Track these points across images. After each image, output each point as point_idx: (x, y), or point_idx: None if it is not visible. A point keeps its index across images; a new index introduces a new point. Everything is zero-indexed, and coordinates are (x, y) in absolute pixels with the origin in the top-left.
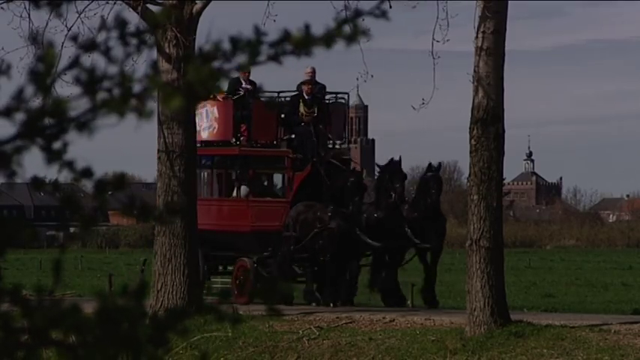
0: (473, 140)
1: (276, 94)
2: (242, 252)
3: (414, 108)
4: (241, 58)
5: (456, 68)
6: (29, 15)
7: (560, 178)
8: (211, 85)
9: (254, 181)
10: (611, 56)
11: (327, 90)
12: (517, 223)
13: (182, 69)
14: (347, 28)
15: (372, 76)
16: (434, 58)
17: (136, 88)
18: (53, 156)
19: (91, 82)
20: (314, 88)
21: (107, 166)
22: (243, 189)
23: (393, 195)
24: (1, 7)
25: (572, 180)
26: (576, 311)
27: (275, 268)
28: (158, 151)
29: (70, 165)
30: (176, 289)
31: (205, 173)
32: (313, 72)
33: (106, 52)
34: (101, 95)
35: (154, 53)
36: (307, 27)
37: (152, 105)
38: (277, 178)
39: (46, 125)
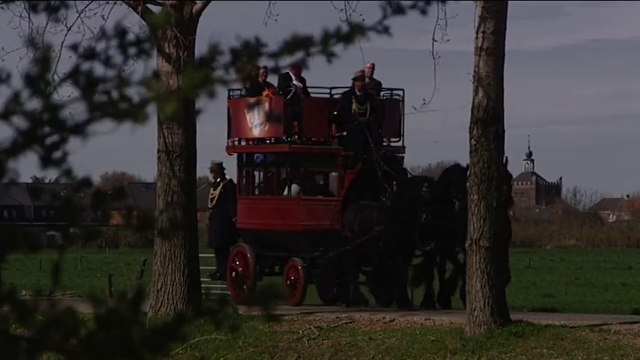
0: (473, 140)
1: (328, 92)
2: (293, 252)
3: (414, 108)
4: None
5: (456, 68)
6: (29, 15)
7: (560, 178)
8: (206, 91)
9: (305, 180)
10: (611, 56)
11: (383, 86)
12: (517, 223)
13: (182, 70)
14: (344, 28)
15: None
16: (434, 58)
17: (133, 92)
18: (53, 165)
19: (88, 86)
20: (369, 84)
21: (107, 166)
22: (294, 187)
23: (456, 203)
24: (1, 7)
25: (572, 180)
26: (576, 311)
27: (328, 269)
28: (158, 151)
29: (68, 173)
30: (176, 289)
31: (256, 171)
32: (372, 68)
33: (106, 61)
34: (99, 98)
35: (153, 59)
36: (309, 39)
37: (148, 110)
38: (322, 177)
39: (45, 134)
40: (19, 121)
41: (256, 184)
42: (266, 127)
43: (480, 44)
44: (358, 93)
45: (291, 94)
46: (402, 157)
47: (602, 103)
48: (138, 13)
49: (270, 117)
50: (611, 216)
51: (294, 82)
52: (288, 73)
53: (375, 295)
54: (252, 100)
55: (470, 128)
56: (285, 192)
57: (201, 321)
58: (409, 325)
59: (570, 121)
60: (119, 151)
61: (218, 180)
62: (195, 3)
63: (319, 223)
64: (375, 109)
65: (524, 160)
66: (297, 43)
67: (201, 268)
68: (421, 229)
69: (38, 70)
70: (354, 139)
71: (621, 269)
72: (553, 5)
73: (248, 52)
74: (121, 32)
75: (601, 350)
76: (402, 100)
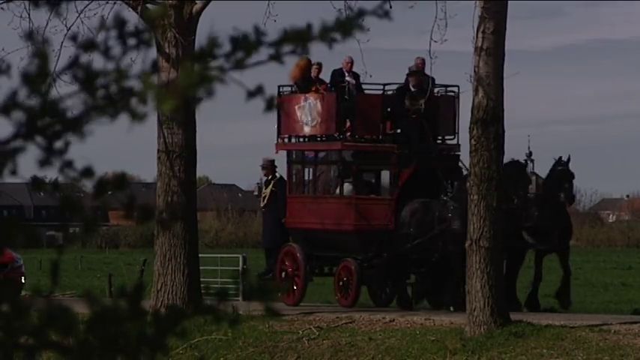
0: (473, 140)
1: (381, 88)
2: (345, 252)
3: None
4: (239, 56)
5: (459, 68)
6: (29, 15)
7: None
8: (203, 88)
9: (358, 178)
10: (611, 56)
11: (437, 82)
12: None
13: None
14: (342, 20)
15: (370, 76)
16: (431, 58)
17: (132, 86)
18: (54, 155)
19: (87, 79)
20: (422, 79)
21: (107, 166)
22: (347, 186)
23: (563, 196)
24: (1, 7)
25: None
26: (576, 311)
27: (382, 269)
28: (158, 151)
29: (70, 164)
30: (176, 289)
31: (307, 170)
32: (422, 63)
33: (106, 52)
34: (98, 93)
35: (153, 53)
36: (309, 26)
37: (146, 107)
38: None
39: (47, 124)
40: (19, 116)
41: (306, 183)
42: (317, 125)
43: (479, 44)
44: (413, 89)
45: (342, 89)
46: (459, 155)
47: (602, 103)
48: (137, 12)
49: (269, 105)
50: (611, 216)
51: (347, 77)
52: (341, 68)
53: (427, 297)
54: (303, 96)
55: (470, 128)
56: (337, 191)
57: (202, 321)
58: (409, 325)
59: (570, 121)
60: (119, 151)
61: (269, 178)
62: (195, 3)
63: (372, 223)
64: (430, 106)
65: (524, 160)
66: (296, 35)
67: (203, 268)
68: None
69: (36, 65)
70: (408, 137)
71: (621, 269)
72: (553, 5)
73: (246, 44)
74: (120, 23)
75: (601, 350)
76: (457, 97)
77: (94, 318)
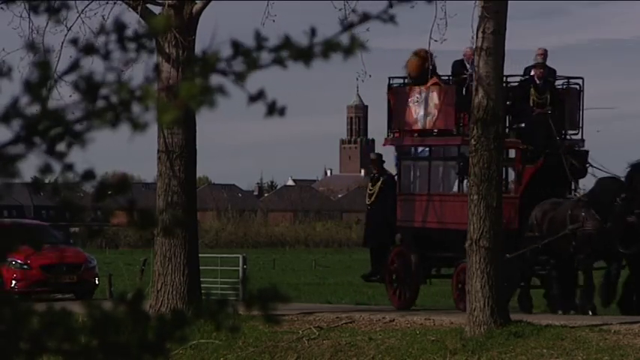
0: (473, 140)
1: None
2: (463, 253)
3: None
4: (240, 66)
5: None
6: (29, 15)
7: None
8: (205, 100)
9: None
10: (612, 56)
11: (558, 74)
12: None
13: (182, 71)
14: (345, 39)
15: (370, 76)
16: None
17: (133, 96)
18: (56, 158)
19: (89, 89)
20: (544, 71)
21: (107, 166)
22: (466, 183)
23: None
24: (1, 8)
25: None
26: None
27: (509, 271)
28: (158, 151)
29: (71, 167)
30: (176, 289)
31: (419, 166)
32: (544, 54)
33: (106, 56)
34: (99, 103)
35: (152, 62)
36: (313, 31)
37: (147, 117)
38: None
39: (48, 127)
40: (20, 123)
41: (418, 180)
42: (434, 119)
43: (479, 44)
44: (537, 81)
45: (462, 81)
46: (587, 151)
47: (602, 103)
48: (137, 13)
49: (271, 110)
50: None
51: (469, 69)
52: (462, 60)
53: (553, 300)
54: (418, 89)
55: (470, 128)
56: (455, 188)
57: (202, 321)
58: (409, 325)
59: None
60: (119, 151)
61: (377, 174)
62: (195, 3)
63: None
64: (555, 99)
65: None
66: (298, 52)
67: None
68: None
69: (38, 75)
70: (534, 132)
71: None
72: (553, 5)
73: (249, 58)
74: (120, 27)
75: (601, 350)
76: (582, 90)
77: (94, 323)
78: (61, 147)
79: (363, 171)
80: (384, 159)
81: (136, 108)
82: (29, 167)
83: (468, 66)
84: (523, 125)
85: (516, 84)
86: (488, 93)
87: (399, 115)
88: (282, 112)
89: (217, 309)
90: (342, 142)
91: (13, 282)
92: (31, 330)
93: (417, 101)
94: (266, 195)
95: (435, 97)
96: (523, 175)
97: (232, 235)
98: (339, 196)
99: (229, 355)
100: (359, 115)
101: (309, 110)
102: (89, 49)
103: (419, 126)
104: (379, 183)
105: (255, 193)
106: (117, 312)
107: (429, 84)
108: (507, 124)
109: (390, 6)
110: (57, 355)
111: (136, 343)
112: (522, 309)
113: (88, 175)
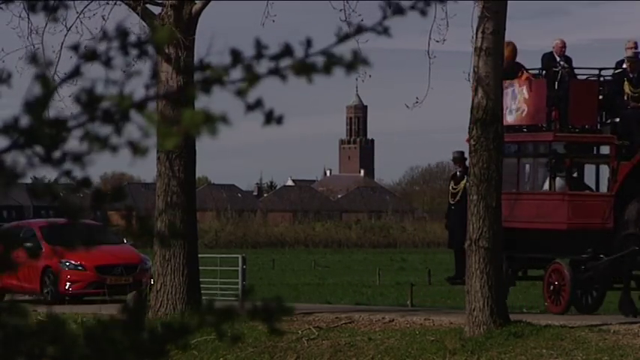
0: (472, 140)
1: (596, 73)
2: (555, 253)
3: (407, 106)
4: (241, 83)
5: (456, 68)
6: (28, 15)
7: None
8: (207, 128)
9: (571, 172)
10: (612, 56)
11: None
12: None
13: (182, 77)
14: (347, 56)
15: (369, 76)
16: (430, 58)
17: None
18: (52, 164)
19: (90, 102)
20: (636, 65)
21: (106, 166)
22: (558, 181)
23: None
24: (0, 8)
25: None
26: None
27: (604, 273)
28: (158, 151)
29: (68, 174)
30: (175, 289)
31: (509, 163)
32: (636, 46)
33: (107, 62)
34: (98, 115)
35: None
36: (309, 42)
37: (148, 142)
38: (589, 169)
39: (46, 135)
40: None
41: (506, 178)
42: (524, 114)
43: (479, 44)
44: (631, 74)
45: (553, 74)
46: None
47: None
48: (137, 13)
49: (269, 119)
50: None
51: (560, 62)
52: (552, 52)
53: None
54: (506, 83)
55: (469, 128)
56: (546, 186)
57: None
58: (408, 326)
59: None
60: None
61: (460, 172)
62: (195, 3)
63: (588, 222)
64: None
65: None
66: (301, 66)
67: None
68: None
69: (39, 91)
70: (629, 127)
71: None
72: (553, 5)
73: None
74: (122, 33)
75: (600, 350)
76: None
77: (92, 331)
78: (57, 154)
79: (362, 171)
80: (465, 156)
81: (135, 132)
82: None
83: (558, 59)
84: (618, 120)
85: (609, 78)
86: (488, 93)
87: None
88: (279, 120)
89: (219, 319)
90: (342, 142)
91: (68, 284)
92: (30, 337)
93: (506, 95)
94: (265, 195)
95: (524, 91)
96: (618, 172)
97: (232, 236)
98: (339, 196)
99: (229, 355)
100: (358, 116)
101: (308, 110)
102: (90, 56)
103: (507, 121)
104: (464, 181)
105: (255, 193)
106: (117, 321)
107: (524, 78)
108: (601, 120)
109: (390, 6)
110: None
111: (135, 350)
112: (625, 314)
113: (85, 182)
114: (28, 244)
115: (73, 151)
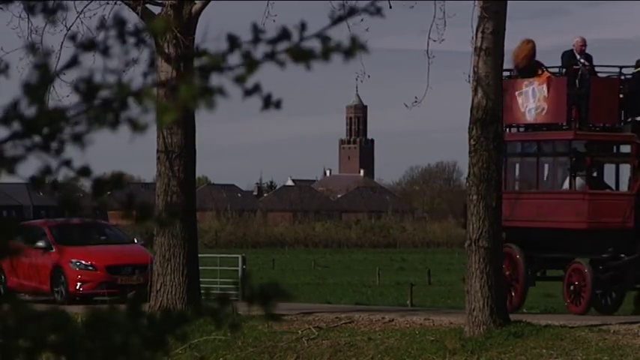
0: (472, 140)
1: (617, 71)
2: (575, 253)
3: (406, 106)
4: (240, 68)
5: (456, 68)
6: (28, 16)
7: None
8: (204, 102)
9: (591, 171)
10: (612, 56)
11: None
12: None
13: (181, 69)
14: (345, 43)
15: (368, 76)
16: (429, 57)
17: (133, 94)
18: (52, 155)
19: (88, 91)
20: None
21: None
22: (578, 180)
23: None
24: (0, 8)
25: None
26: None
27: (627, 273)
28: (157, 151)
29: (67, 163)
30: (175, 289)
31: (524, 162)
32: None
33: (105, 52)
34: (98, 104)
35: (150, 57)
36: (303, 25)
37: (147, 119)
38: (609, 168)
39: (45, 124)
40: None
41: (524, 177)
42: (543, 112)
43: (479, 44)
44: None
45: (573, 72)
46: None
47: None
48: (137, 13)
49: (267, 103)
50: None
51: (581, 60)
52: (572, 50)
53: None
54: (525, 81)
55: (469, 128)
56: (566, 185)
57: (201, 321)
58: (408, 326)
59: None
60: (118, 152)
61: None
62: (195, 3)
63: (608, 221)
64: None
65: None
66: (299, 54)
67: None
68: None
69: (37, 77)
70: None
71: None
72: (553, 5)
73: (249, 61)
74: (119, 22)
75: (600, 350)
76: None
77: (92, 321)
78: (56, 144)
79: (362, 171)
80: None
81: (135, 109)
82: (28, 166)
83: (578, 57)
84: (638, 119)
85: (630, 76)
86: (488, 93)
87: (504, 109)
88: (278, 105)
89: (217, 307)
90: (342, 142)
91: (78, 284)
92: (32, 328)
93: (525, 94)
94: (265, 195)
95: (544, 90)
96: (639, 171)
97: (232, 236)
98: (339, 196)
99: (229, 355)
100: (358, 116)
101: (308, 110)
102: (88, 45)
103: (527, 120)
104: None
105: (255, 193)
106: (116, 310)
107: (544, 76)
108: (621, 118)
109: (390, 7)
110: (56, 354)
111: (136, 340)
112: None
113: (85, 171)
114: (40, 244)
115: (72, 132)
